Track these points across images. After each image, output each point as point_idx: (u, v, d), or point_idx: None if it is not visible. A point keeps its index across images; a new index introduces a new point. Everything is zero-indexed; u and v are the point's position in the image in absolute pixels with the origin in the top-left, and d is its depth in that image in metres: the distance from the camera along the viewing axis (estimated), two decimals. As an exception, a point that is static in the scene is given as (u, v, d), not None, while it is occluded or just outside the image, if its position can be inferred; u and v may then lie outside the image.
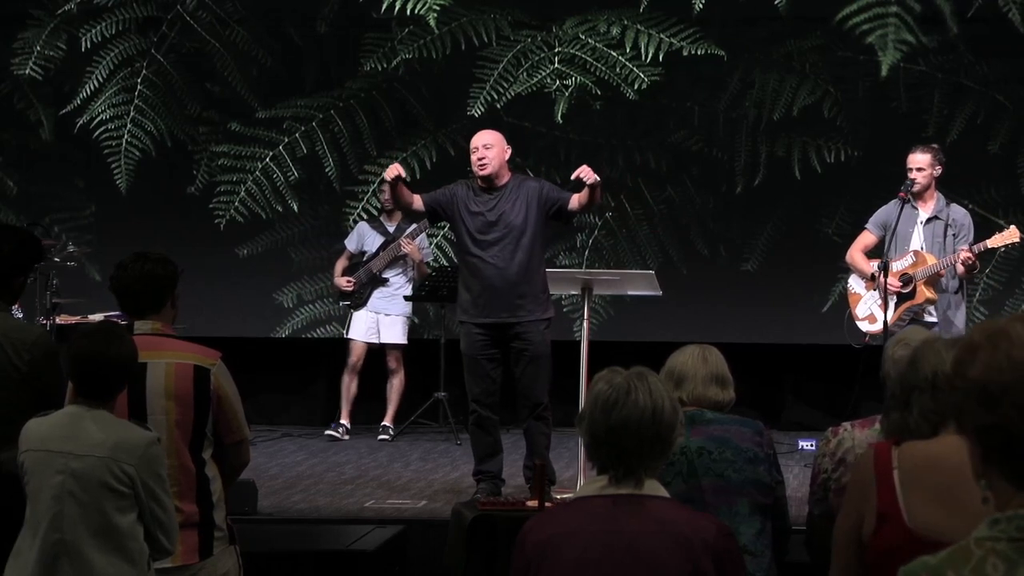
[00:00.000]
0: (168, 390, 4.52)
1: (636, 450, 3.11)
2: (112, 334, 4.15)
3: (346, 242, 10.36)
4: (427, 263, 10.31)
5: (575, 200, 7.55)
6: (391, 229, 10.23)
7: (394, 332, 10.16)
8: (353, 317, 10.27)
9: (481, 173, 7.59)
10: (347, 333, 10.30)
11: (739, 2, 10.62)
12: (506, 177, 7.64)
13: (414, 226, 10.13)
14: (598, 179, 7.42)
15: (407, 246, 10.03)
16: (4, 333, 4.92)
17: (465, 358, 7.67)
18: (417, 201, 7.71)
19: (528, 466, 7.57)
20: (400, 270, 10.19)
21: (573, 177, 7.47)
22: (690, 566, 3.07)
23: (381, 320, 10.16)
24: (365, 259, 10.25)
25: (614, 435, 3.10)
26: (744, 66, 10.70)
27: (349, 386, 10.20)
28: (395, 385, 10.19)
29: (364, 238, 10.28)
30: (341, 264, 10.33)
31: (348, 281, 10.21)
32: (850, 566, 2.88)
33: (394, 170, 7.55)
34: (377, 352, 10.20)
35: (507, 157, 7.69)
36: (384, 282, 10.16)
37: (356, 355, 10.17)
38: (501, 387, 7.74)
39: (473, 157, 7.64)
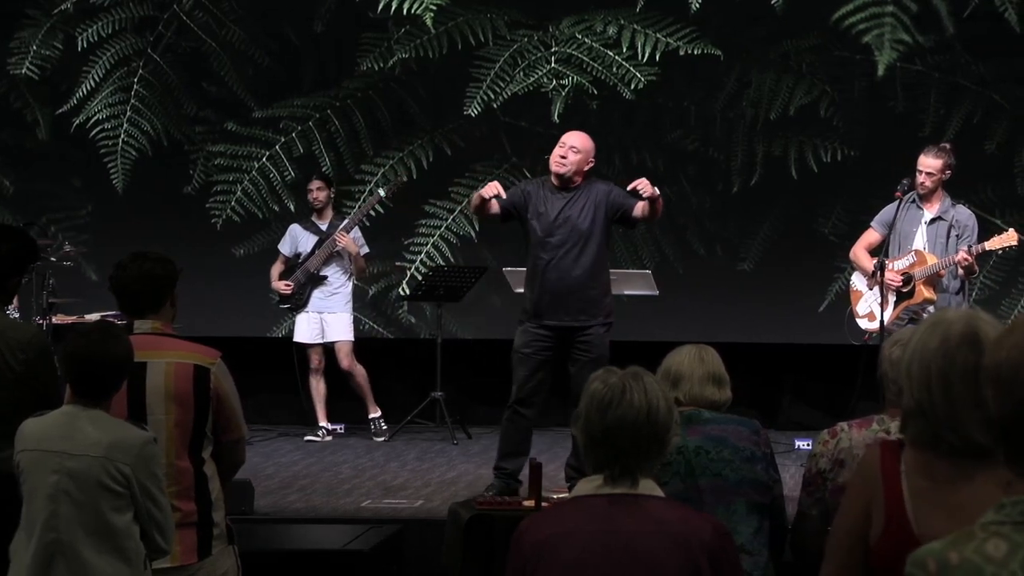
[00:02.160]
0: (168, 390, 4.51)
1: (632, 450, 3.11)
2: (108, 333, 4.15)
3: (279, 247, 10.30)
4: (364, 257, 10.22)
5: (639, 208, 7.46)
6: (323, 227, 10.19)
7: (339, 329, 10.12)
8: (296, 320, 10.22)
9: (556, 170, 7.55)
10: (293, 337, 10.24)
11: (736, 2, 10.62)
12: (579, 181, 7.59)
13: (347, 220, 10.11)
14: (656, 192, 7.31)
15: (342, 240, 9.99)
16: (0, 332, 4.92)
17: (515, 354, 7.56)
18: (495, 207, 7.65)
19: (571, 465, 7.54)
20: (338, 267, 10.15)
21: (630, 188, 7.40)
22: (687, 565, 3.07)
23: (325, 319, 10.12)
24: (301, 260, 10.20)
25: (610, 435, 3.10)
26: (741, 66, 10.70)
27: (318, 388, 10.17)
28: (358, 382, 10.15)
29: (298, 240, 10.24)
30: (277, 269, 10.27)
31: (287, 284, 10.16)
32: (846, 566, 2.86)
33: (494, 188, 7.49)
34: (329, 351, 10.15)
35: (588, 168, 7.61)
36: (323, 280, 10.13)
37: (316, 358, 10.15)
38: (546, 392, 7.64)
39: (557, 151, 7.59)
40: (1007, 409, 1.90)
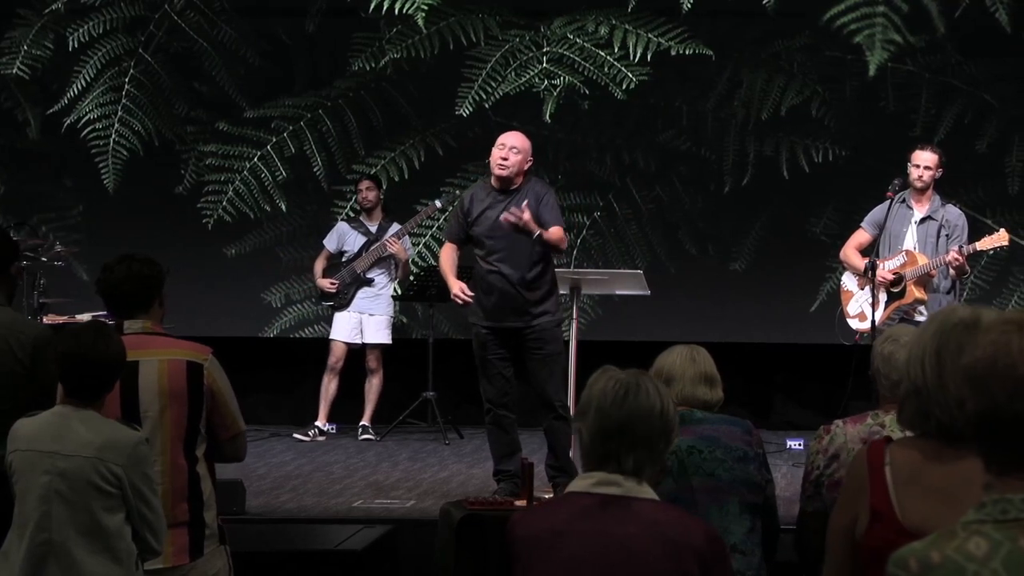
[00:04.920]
0: (162, 387, 4.50)
1: (646, 441, 3.11)
2: (100, 333, 4.14)
3: (325, 241, 10.33)
4: (411, 263, 10.28)
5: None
6: (373, 229, 10.20)
7: (378, 332, 10.14)
8: (336, 318, 10.23)
9: (498, 173, 7.56)
10: (330, 335, 10.26)
11: (727, 2, 10.63)
12: (519, 182, 7.60)
13: (398, 227, 10.12)
14: (512, 221, 7.31)
15: (393, 246, 10.00)
16: (7, 327, 4.88)
17: (477, 359, 7.65)
18: (454, 252, 7.76)
19: (551, 465, 7.57)
20: (384, 270, 10.16)
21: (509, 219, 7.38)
22: (677, 570, 3.06)
23: (365, 320, 10.13)
24: (345, 259, 10.20)
25: (627, 425, 3.10)
26: (732, 66, 10.71)
27: (328, 387, 10.16)
28: (374, 384, 10.17)
29: (344, 238, 10.25)
30: (320, 264, 10.29)
31: (332, 283, 10.18)
32: (843, 564, 2.88)
33: (460, 295, 7.61)
34: (358, 352, 10.17)
35: (527, 167, 7.63)
36: (369, 282, 10.14)
37: (336, 356, 10.14)
38: (516, 386, 7.70)
39: (496, 153, 7.59)
40: (982, 408, 1.89)
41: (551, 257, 7.69)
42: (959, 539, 1.86)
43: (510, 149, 7.57)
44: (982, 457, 1.92)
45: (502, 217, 7.37)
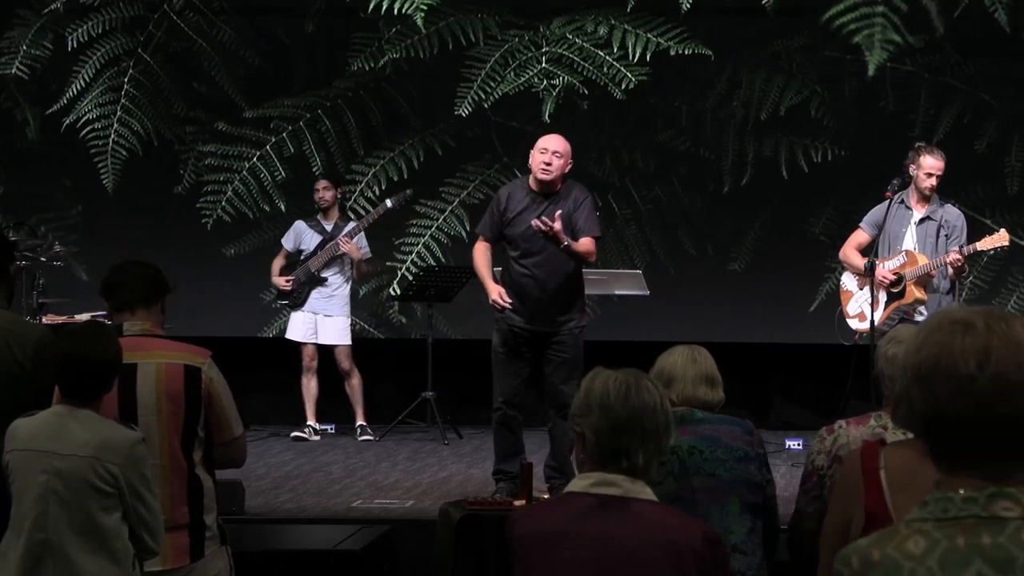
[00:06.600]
0: (159, 390, 4.49)
1: (655, 434, 3.11)
2: (97, 334, 4.14)
3: (283, 241, 10.34)
4: (366, 262, 10.25)
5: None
6: (328, 228, 10.21)
7: (334, 333, 10.13)
8: (291, 317, 10.24)
9: (541, 177, 7.49)
10: (286, 334, 10.27)
11: (726, 1, 10.63)
12: (559, 185, 7.56)
13: (352, 225, 10.12)
14: (544, 229, 7.21)
15: (345, 246, 10.00)
16: (7, 329, 4.87)
17: (495, 355, 7.62)
18: (488, 250, 7.66)
19: (550, 465, 7.56)
20: (338, 269, 10.16)
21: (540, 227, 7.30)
22: (676, 570, 3.06)
23: (320, 321, 10.13)
24: (302, 258, 10.21)
25: (636, 420, 3.10)
26: (731, 66, 10.72)
27: (308, 387, 10.17)
28: (354, 385, 10.17)
29: (301, 237, 10.25)
30: (278, 263, 10.30)
31: (287, 281, 10.19)
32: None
33: (500, 300, 7.52)
34: (328, 354, 10.16)
35: (567, 171, 7.59)
36: (323, 282, 10.14)
37: (309, 355, 10.15)
38: (528, 388, 7.68)
39: (539, 157, 7.52)
40: (928, 407, 1.90)
41: (581, 263, 7.66)
42: (900, 537, 1.87)
43: (552, 153, 7.51)
44: (931, 456, 1.92)
45: (533, 223, 7.29)
